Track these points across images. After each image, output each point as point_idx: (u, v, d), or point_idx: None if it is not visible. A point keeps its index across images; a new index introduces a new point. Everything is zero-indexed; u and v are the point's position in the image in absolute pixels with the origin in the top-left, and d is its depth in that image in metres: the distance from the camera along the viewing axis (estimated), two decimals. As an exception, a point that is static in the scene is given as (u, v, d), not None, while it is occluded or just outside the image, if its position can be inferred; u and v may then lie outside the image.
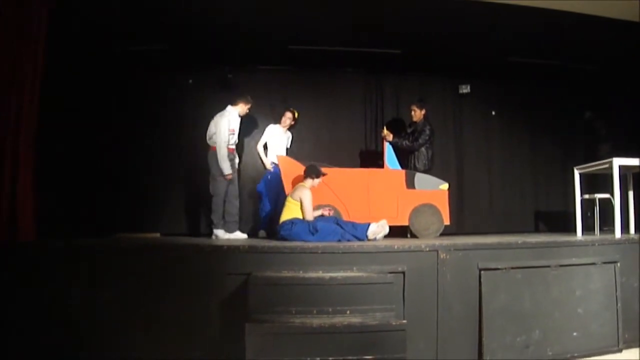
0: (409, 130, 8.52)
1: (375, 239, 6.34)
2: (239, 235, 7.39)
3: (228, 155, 7.25)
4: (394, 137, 8.18)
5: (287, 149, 8.61)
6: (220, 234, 7.31)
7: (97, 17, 7.15)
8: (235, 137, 7.54)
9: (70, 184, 7.46)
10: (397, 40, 8.42)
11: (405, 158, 8.28)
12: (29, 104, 5.46)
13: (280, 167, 7.50)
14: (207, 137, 7.50)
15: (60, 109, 6.91)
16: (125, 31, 7.72)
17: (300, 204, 6.57)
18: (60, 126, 6.96)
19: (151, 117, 8.69)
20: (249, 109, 7.71)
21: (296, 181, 7.07)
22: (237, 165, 7.64)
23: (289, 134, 8.70)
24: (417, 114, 8.41)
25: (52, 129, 6.34)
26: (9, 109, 5.30)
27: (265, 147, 8.60)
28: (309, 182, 6.83)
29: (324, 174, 7.01)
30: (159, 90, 8.72)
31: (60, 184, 7.10)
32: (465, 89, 9.59)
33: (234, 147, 7.54)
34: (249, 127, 8.73)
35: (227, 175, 7.25)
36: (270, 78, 9.20)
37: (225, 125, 7.32)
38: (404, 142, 8.18)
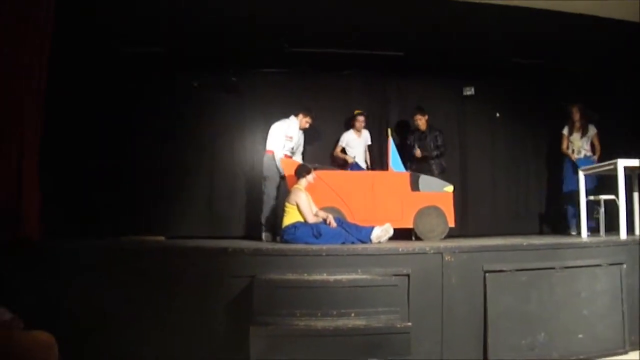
0: (414, 137, 8.58)
1: (379, 242, 6.35)
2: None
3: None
4: (422, 152, 8.47)
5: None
6: (266, 236, 7.53)
7: (102, 20, 7.18)
8: (293, 145, 7.93)
9: (76, 186, 7.48)
10: (400, 43, 8.42)
11: (423, 163, 8.53)
12: (34, 104, 5.46)
13: (284, 169, 7.51)
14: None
15: (67, 111, 6.93)
16: (130, 34, 7.75)
17: (297, 207, 6.56)
18: (67, 128, 6.97)
19: (157, 119, 8.72)
20: (309, 122, 8.05)
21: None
22: None
23: (366, 136, 9.06)
24: (423, 121, 8.53)
25: (58, 130, 6.35)
26: (14, 111, 5.30)
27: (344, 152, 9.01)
28: (303, 182, 6.84)
29: (314, 168, 7.13)
30: (164, 93, 8.75)
31: (66, 186, 7.11)
32: (469, 91, 9.57)
33: (289, 153, 7.89)
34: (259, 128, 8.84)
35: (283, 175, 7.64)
36: (275, 81, 9.21)
37: (282, 130, 7.79)
38: (434, 150, 8.37)
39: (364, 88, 9.72)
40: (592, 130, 8.35)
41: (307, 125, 8.07)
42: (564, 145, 8.55)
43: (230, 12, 7.22)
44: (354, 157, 8.77)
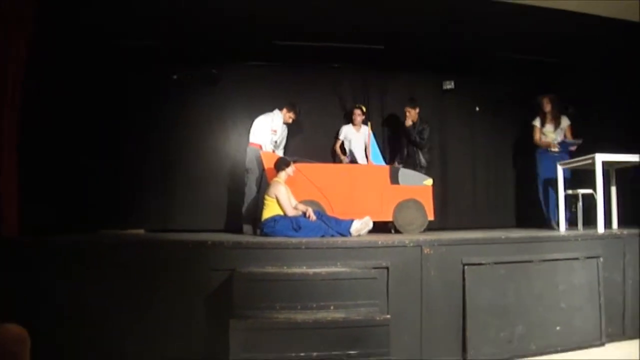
0: (414, 134, 8.57)
1: (359, 235, 6.36)
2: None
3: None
4: (408, 127, 8.53)
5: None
6: (246, 229, 7.54)
7: (82, 13, 7.10)
8: (277, 138, 7.97)
9: (54, 180, 7.40)
10: (381, 36, 8.41)
11: (408, 155, 8.61)
12: (11, 99, 5.41)
13: (264, 162, 7.50)
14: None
15: (45, 104, 6.85)
16: (109, 27, 7.65)
17: (277, 200, 6.56)
18: (44, 121, 6.89)
19: (137, 112, 8.67)
20: (292, 117, 8.10)
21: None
22: None
23: (365, 131, 8.83)
24: (412, 114, 8.51)
25: (36, 123, 6.27)
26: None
27: (342, 147, 8.99)
28: (283, 175, 6.84)
29: (293, 161, 7.13)
30: (143, 85, 8.67)
31: (44, 179, 7.04)
32: (449, 85, 9.56)
33: (273, 147, 7.92)
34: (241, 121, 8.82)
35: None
36: (255, 74, 9.16)
37: (266, 123, 7.86)
38: (416, 137, 8.40)
39: (347, 82, 9.69)
40: (565, 122, 8.23)
41: (290, 120, 8.10)
42: (537, 137, 8.35)
43: (214, 4, 7.16)
44: (348, 156, 8.75)
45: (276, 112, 7.98)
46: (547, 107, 8.26)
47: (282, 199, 6.51)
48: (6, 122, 5.32)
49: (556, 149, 8.05)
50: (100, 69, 8.30)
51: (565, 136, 8.15)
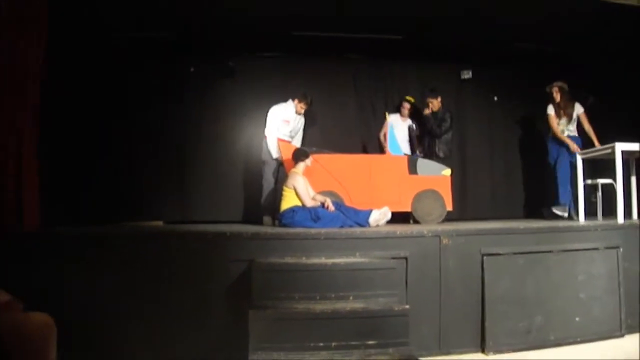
0: (431, 123, 8.58)
1: (377, 226, 6.37)
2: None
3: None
4: (427, 115, 8.61)
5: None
6: (266, 220, 7.60)
7: (98, 5, 7.12)
8: (290, 128, 7.99)
9: (74, 173, 7.46)
10: (399, 26, 8.36)
11: (428, 145, 8.66)
12: (31, 93, 5.44)
13: (282, 153, 7.51)
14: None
15: (63, 98, 6.89)
16: (126, 20, 7.68)
17: (295, 191, 6.57)
18: (64, 115, 6.94)
19: (154, 105, 8.70)
20: (304, 107, 8.08)
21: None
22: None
23: (409, 122, 9.05)
24: (435, 103, 8.53)
25: (56, 118, 6.33)
26: (12, 98, 5.29)
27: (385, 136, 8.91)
28: (301, 166, 6.86)
29: (311, 152, 7.18)
30: (160, 78, 8.70)
31: (65, 173, 7.09)
32: (467, 75, 9.54)
33: (288, 138, 7.98)
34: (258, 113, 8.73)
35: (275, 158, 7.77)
36: (272, 65, 9.20)
37: (278, 113, 7.87)
38: (433, 126, 8.44)
39: (364, 72, 9.70)
40: (579, 109, 7.92)
41: (302, 111, 8.09)
42: (555, 125, 7.97)
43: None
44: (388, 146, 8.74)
45: (289, 102, 8.01)
46: (557, 97, 8.00)
47: (300, 190, 6.52)
48: (27, 119, 5.36)
49: (578, 151, 7.59)
50: (117, 64, 8.35)
51: (580, 124, 7.94)
